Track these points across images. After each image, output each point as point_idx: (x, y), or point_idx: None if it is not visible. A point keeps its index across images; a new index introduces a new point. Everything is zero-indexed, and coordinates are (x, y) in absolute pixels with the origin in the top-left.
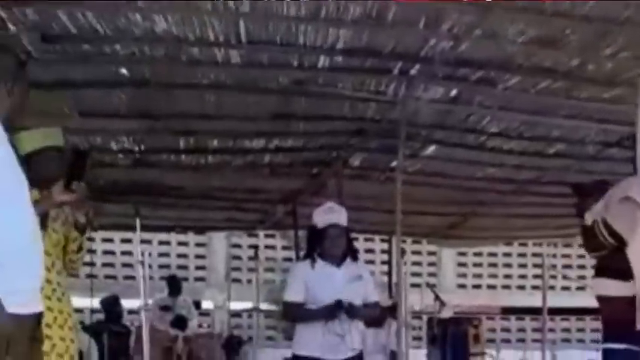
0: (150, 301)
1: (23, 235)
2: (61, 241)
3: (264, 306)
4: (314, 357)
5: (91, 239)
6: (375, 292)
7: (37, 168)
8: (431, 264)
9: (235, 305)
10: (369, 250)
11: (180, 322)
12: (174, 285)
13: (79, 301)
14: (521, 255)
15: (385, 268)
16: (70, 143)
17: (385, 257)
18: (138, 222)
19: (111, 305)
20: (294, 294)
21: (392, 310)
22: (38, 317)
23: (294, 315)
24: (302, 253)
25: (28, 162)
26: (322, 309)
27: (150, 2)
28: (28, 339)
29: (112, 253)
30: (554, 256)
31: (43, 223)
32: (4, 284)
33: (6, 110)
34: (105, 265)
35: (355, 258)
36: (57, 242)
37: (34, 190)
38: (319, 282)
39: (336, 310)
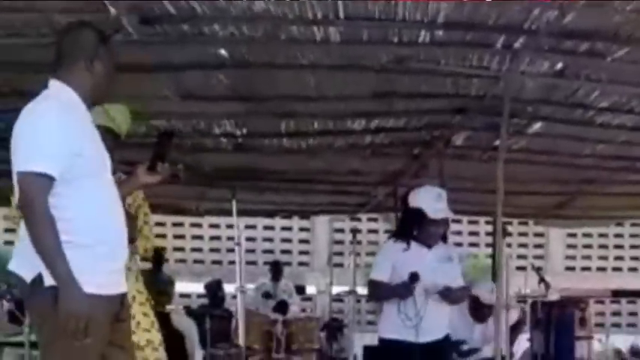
0: (249, 285)
1: (108, 217)
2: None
3: (365, 290)
4: (395, 339)
5: (198, 225)
6: (460, 276)
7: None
8: (538, 246)
9: (338, 289)
10: (473, 233)
11: (282, 308)
12: (276, 270)
13: (186, 286)
14: (634, 236)
15: (490, 250)
16: (154, 126)
17: (490, 239)
18: (234, 205)
19: (214, 289)
20: (380, 273)
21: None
22: (121, 298)
23: (376, 293)
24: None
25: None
26: (396, 285)
27: None
28: (110, 320)
29: (218, 238)
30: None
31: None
32: (86, 265)
33: (86, 86)
34: (212, 250)
35: (445, 240)
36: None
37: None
38: (409, 263)
39: (412, 282)
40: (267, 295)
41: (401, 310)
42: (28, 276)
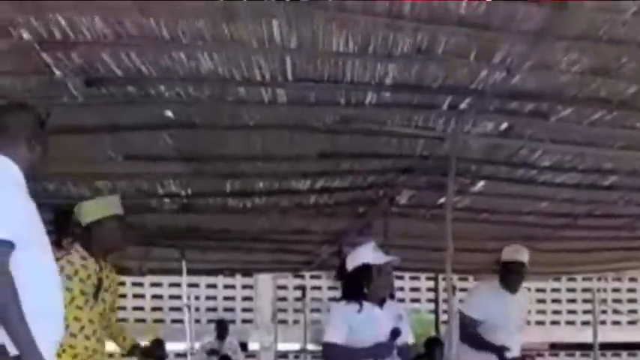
0: (197, 345)
1: (53, 289)
2: (106, 310)
3: (311, 346)
4: None
5: (139, 284)
6: (410, 332)
7: (98, 237)
8: None
9: (282, 346)
10: (415, 289)
11: None
12: (221, 328)
13: None
14: (570, 290)
15: (431, 306)
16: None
17: (431, 295)
18: (184, 265)
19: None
20: (335, 335)
21: None
22: None
23: (335, 356)
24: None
25: (89, 231)
26: (375, 346)
27: (194, 40)
28: None
29: (160, 297)
30: (604, 290)
31: (96, 294)
32: (36, 334)
33: (27, 165)
34: (154, 309)
35: (393, 297)
36: (102, 311)
37: (92, 259)
38: (365, 324)
39: (394, 339)
40: (211, 352)
41: None
42: None
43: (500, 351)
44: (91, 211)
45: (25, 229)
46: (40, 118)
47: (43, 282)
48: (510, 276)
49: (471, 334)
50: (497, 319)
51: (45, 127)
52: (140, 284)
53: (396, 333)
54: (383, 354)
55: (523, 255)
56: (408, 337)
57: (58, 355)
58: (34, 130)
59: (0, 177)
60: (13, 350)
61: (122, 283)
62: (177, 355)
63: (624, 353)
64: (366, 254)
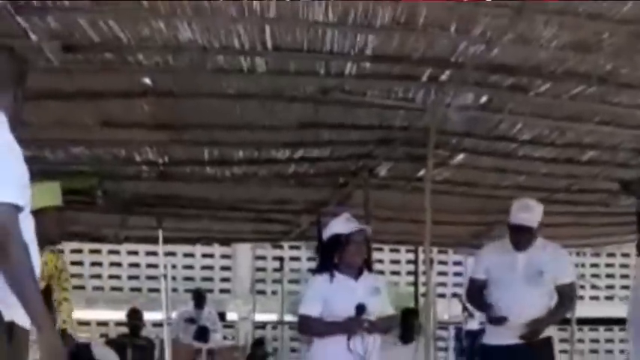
0: (174, 314)
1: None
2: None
3: (288, 317)
4: None
5: (116, 252)
6: (389, 304)
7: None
8: (457, 274)
9: (260, 317)
10: (395, 261)
11: (202, 334)
12: (199, 298)
13: (104, 314)
14: None
15: (411, 278)
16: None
17: (411, 267)
18: (160, 234)
19: (133, 319)
20: (310, 307)
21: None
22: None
23: (311, 329)
24: (317, 266)
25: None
26: (344, 321)
27: (173, 8)
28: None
29: (137, 265)
30: (583, 265)
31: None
32: None
33: (11, 114)
34: (130, 277)
35: (370, 269)
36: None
37: None
38: (338, 296)
39: (359, 314)
40: (190, 321)
41: (350, 347)
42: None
43: (488, 311)
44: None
45: (25, 194)
46: (25, 66)
47: (34, 250)
48: (511, 237)
49: (470, 293)
50: (501, 277)
51: (27, 75)
52: (117, 252)
53: (360, 308)
54: (353, 329)
55: (523, 217)
56: (386, 309)
57: None
58: (20, 77)
59: (9, 137)
60: (7, 316)
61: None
62: (155, 324)
63: (601, 328)
64: (336, 225)
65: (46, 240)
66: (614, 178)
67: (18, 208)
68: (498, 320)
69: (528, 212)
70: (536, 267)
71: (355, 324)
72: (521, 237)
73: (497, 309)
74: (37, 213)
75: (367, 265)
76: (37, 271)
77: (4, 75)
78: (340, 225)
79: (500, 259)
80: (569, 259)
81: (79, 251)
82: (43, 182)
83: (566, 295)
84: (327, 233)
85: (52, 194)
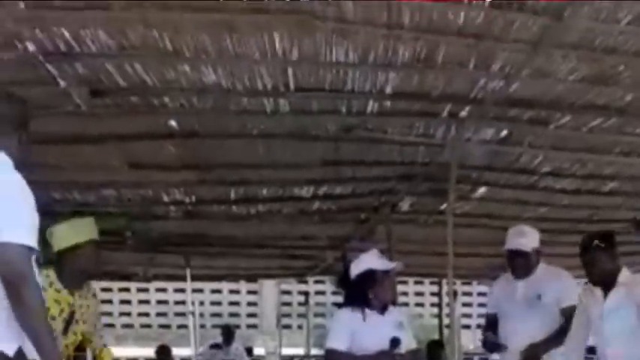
0: (201, 349)
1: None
2: (76, 340)
3: (314, 351)
4: None
5: (145, 290)
6: (412, 338)
7: (72, 264)
8: (482, 304)
9: (287, 351)
10: (419, 293)
11: None
12: (228, 334)
13: (133, 351)
14: None
15: (435, 310)
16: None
17: (435, 299)
18: (188, 272)
19: (161, 355)
20: (338, 341)
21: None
22: None
23: None
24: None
25: (62, 258)
26: (377, 354)
27: (197, 52)
28: None
29: (166, 302)
30: None
31: (66, 329)
32: None
33: (16, 156)
34: (159, 314)
35: (395, 303)
36: (72, 342)
37: (65, 291)
38: (367, 330)
39: (393, 348)
40: (216, 346)
41: None
42: (10, 349)
43: (489, 346)
44: (65, 235)
45: (36, 236)
46: (27, 109)
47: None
48: (508, 263)
49: (483, 329)
50: (504, 306)
51: (30, 118)
52: (146, 290)
53: (395, 342)
54: None
55: (517, 242)
56: (411, 343)
57: None
58: (23, 120)
59: (15, 175)
60: (32, 355)
61: (126, 289)
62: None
63: None
64: (370, 260)
65: (84, 276)
66: (636, 208)
67: (32, 250)
68: (493, 347)
69: (522, 237)
70: (535, 291)
71: (389, 357)
72: (517, 262)
73: (497, 337)
74: (75, 249)
75: (393, 299)
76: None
77: (5, 119)
78: (375, 261)
79: (503, 289)
80: (572, 282)
81: (109, 290)
82: (77, 218)
83: (569, 318)
84: (359, 268)
85: (88, 229)
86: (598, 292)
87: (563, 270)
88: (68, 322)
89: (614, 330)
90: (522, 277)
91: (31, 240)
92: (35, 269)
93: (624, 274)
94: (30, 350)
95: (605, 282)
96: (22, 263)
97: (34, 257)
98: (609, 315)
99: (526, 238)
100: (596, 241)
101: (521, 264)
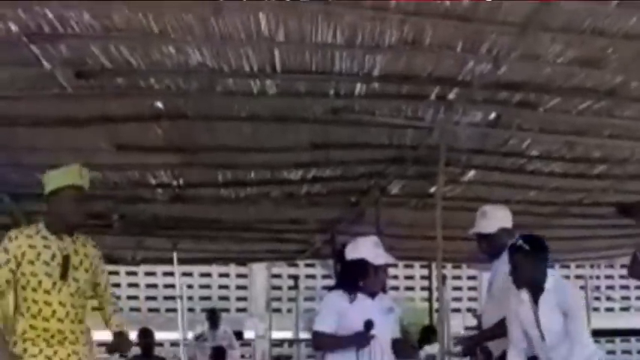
0: (190, 334)
1: None
2: (81, 289)
3: (304, 335)
4: None
5: (134, 273)
6: (398, 329)
7: (55, 209)
8: (472, 288)
9: (276, 334)
10: (409, 277)
11: (218, 354)
12: (213, 318)
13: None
14: (564, 277)
15: (425, 294)
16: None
17: (425, 283)
18: (175, 256)
19: (144, 338)
20: (325, 324)
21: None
22: None
23: (324, 345)
24: (336, 283)
25: (49, 203)
26: (353, 335)
27: (183, 33)
28: None
29: (155, 286)
30: (597, 277)
31: (64, 274)
32: None
33: None
34: (148, 298)
35: (385, 290)
36: (75, 291)
37: (53, 237)
38: (354, 313)
39: (367, 330)
40: (201, 338)
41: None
42: None
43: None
44: (48, 181)
45: None
46: None
47: None
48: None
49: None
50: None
51: None
52: (134, 273)
53: (369, 324)
54: (361, 343)
55: (478, 224)
56: (395, 332)
57: (34, 339)
58: None
59: None
60: None
61: (115, 272)
62: (173, 344)
63: (617, 339)
64: (365, 249)
65: (67, 222)
66: (625, 191)
67: None
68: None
69: (484, 219)
70: (492, 276)
71: (363, 338)
72: (480, 245)
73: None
74: (55, 194)
75: (383, 286)
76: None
77: None
78: (370, 251)
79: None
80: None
81: None
82: (65, 166)
83: None
84: (352, 254)
85: (70, 175)
86: (525, 296)
87: None
88: (65, 267)
89: (553, 339)
90: (490, 260)
91: None
92: None
93: (550, 280)
94: None
95: (532, 286)
96: None
97: None
98: (544, 324)
99: (487, 219)
100: (520, 242)
101: (483, 246)
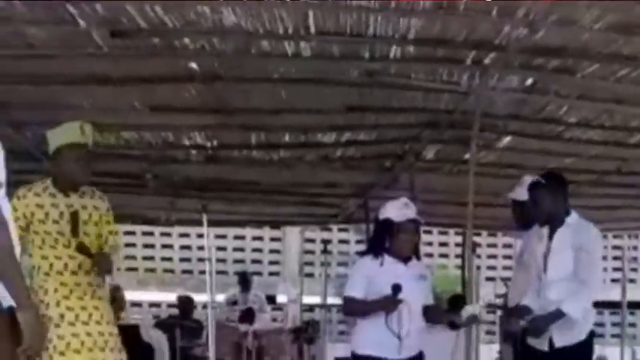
0: (219, 297)
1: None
2: (94, 242)
3: (336, 300)
4: (371, 356)
5: (168, 234)
6: (431, 295)
7: (59, 168)
8: (507, 257)
9: (308, 299)
10: (443, 244)
11: (247, 316)
12: (244, 281)
13: (156, 296)
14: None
15: (459, 261)
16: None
17: (459, 250)
18: (205, 218)
19: (183, 302)
20: (355, 289)
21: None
22: None
23: (353, 310)
24: (366, 247)
25: (52, 162)
26: (380, 299)
27: None
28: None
29: (189, 248)
30: (635, 248)
31: (75, 230)
32: None
33: None
34: (182, 259)
35: (419, 257)
36: (88, 245)
37: (60, 195)
38: (384, 279)
39: (395, 294)
40: (234, 303)
41: (388, 325)
42: None
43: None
44: (50, 140)
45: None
46: None
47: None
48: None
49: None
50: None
51: None
52: (169, 235)
53: (397, 288)
54: (388, 307)
55: (515, 191)
56: (428, 299)
57: (53, 296)
58: None
59: None
60: (7, 302)
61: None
62: (204, 306)
63: None
64: (392, 209)
65: (72, 180)
66: None
67: None
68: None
69: (520, 186)
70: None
71: (390, 303)
72: (514, 212)
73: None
74: (59, 152)
75: (415, 252)
76: (17, 250)
77: None
78: (394, 211)
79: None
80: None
81: (132, 233)
82: (65, 123)
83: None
84: (380, 215)
85: (71, 133)
86: (544, 232)
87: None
88: (75, 223)
89: (554, 272)
90: (521, 228)
91: None
92: (6, 203)
93: (573, 217)
94: (5, 297)
95: (552, 222)
96: None
97: (2, 191)
98: (552, 256)
99: (525, 188)
100: (539, 179)
101: (517, 214)
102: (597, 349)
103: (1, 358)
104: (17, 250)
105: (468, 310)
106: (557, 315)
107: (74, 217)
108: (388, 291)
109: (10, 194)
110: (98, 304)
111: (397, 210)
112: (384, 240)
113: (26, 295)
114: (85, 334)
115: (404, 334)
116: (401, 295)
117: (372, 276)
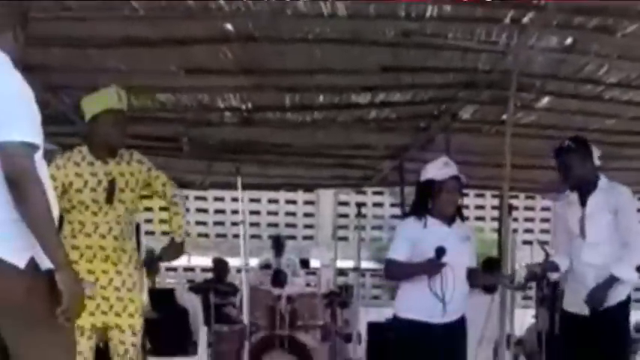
0: (252, 261)
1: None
2: (129, 209)
3: (370, 264)
4: (414, 319)
5: (203, 198)
6: (475, 257)
7: (96, 135)
8: (544, 220)
9: (342, 264)
10: (480, 207)
11: (279, 279)
12: (278, 245)
13: (190, 260)
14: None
15: (496, 224)
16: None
17: (496, 213)
18: (240, 181)
19: (218, 267)
20: (397, 252)
21: None
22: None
23: (395, 273)
24: (408, 209)
25: (88, 130)
26: (424, 262)
27: None
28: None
29: (223, 212)
30: None
31: (110, 198)
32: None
33: (13, 56)
34: (216, 223)
35: (463, 218)
36: (123, 212)
37: (98, 162)
38: (429, 241)
39: (439, 257)
40: (267, 267)
41: (432, 288)
42: (20, 261)
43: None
44: (85, 107)
45: (40, 134)
46: (24, 4)
47: (48, 187)
48: None
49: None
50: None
51: (27, 16)
52: (204, 199)
53: (440, 251)
54: (431, 270)
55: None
56: (472, 261)
57: (77, 261)
58: (19, 16)
59: (12, 72)
60: (45, 264)
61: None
62: (238, 270)
63: None
64: (433, 169)
65: (108, 146)
66: None
67: (33, 147)
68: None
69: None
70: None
71: (433, 266)
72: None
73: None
74: (95, 119)
75: (459, 213)
76: (55, 212)
77: (2, 18)
78: (435, 170)
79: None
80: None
81: None
82: (100, 90)
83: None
84: (422, 176)
85: (106, 99)
86: (575, 198)
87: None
88: (111, 192)
89: (594, 236)
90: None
91: (33, 137)
92: (43, 166)
93: (604, 181)
94: (43, 259)
95: (582, 187)
96: (24, 160)
97: (39, 154)
98: (589, 220)
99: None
100: (568, 142)
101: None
102: (634, 315)
103: (40, 320)
104: (55, 212)
105: (520, 275)
106: (612, 281)
107: (111, 185)
108: (432, 254)
109: (46, 157)
110: (122, 270)
111: (438, 169)
112: (427, 201)
113: (63, 256)
114: (101, 298)
115: (448, 297)
116: (445, 258)
117: (416, 238)
